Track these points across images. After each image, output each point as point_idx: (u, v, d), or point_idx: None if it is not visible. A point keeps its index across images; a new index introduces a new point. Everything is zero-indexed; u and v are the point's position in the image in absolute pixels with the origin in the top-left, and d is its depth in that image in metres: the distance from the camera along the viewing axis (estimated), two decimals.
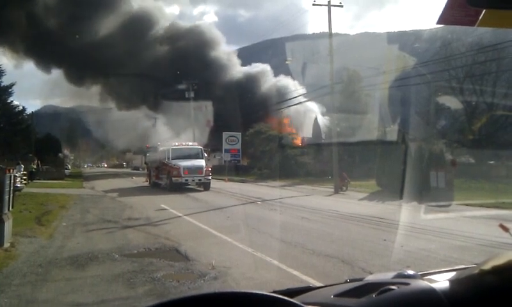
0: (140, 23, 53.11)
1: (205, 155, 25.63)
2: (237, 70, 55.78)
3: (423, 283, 1.17)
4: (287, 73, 41.58)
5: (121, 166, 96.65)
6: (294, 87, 46.18)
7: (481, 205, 14.35)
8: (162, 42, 54.45)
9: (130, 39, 51.06)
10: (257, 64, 59.19)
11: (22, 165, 26.88)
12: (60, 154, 56.95)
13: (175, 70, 46.13)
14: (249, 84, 51.67)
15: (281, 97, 45.35)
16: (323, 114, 41.39)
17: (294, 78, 47.52)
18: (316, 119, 41.30)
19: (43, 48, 50.78)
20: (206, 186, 23.49)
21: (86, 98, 60.58)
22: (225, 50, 58.97)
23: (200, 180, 23.52)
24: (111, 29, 52.69)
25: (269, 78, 55.07)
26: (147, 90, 50.45)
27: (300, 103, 40.51)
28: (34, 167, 30.63)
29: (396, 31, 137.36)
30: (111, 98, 57.22)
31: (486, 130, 28.74)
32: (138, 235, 9.73)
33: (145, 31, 53.48)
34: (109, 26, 52.70)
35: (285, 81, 51.28)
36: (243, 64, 59.00)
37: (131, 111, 55.27)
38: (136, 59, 50.44)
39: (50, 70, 56.56)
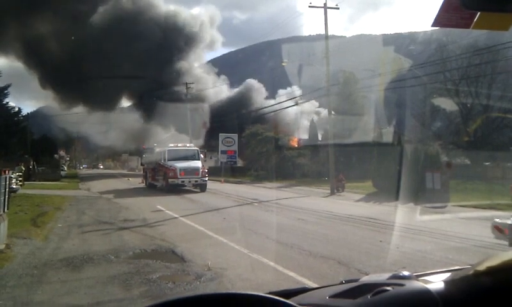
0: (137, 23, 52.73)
1: (202, 156, 25.59)
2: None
3: (418, 284, 1.18)
4: (283, 74, 41.57)
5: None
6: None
7: (476, 206, 14.41)
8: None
9: (126, 38, 50.62)
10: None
11: (16, 167, 26.64)
12: (56, 155, 56.67)
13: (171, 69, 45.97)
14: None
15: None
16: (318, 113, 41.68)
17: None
18: (312, 120, 41.29)
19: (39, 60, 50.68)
20: (202, 187, 23.44)
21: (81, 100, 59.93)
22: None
23: (196, 181, 23.48)
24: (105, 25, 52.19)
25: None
26: (144, 91, 50.16)
27: (296, 104, 40.55)
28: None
29: (391, 33, 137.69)
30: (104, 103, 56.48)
31: (482, 131, 28.89)
32: (134, 237, 9.70)
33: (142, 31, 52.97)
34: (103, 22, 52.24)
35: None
36: (240, 66, 59.13)
37: (127, 113, 54.97)
38: (133, 59, 50.08)
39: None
